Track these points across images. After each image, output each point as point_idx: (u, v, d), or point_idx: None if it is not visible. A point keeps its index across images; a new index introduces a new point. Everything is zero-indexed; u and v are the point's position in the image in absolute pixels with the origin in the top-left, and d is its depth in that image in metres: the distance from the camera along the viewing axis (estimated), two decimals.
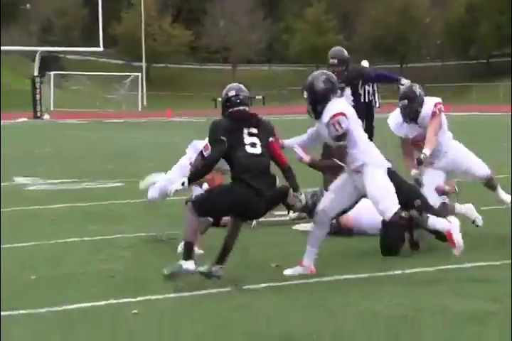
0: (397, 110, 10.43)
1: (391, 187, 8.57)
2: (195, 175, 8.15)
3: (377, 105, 22.31)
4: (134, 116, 51.38)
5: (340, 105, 8.56)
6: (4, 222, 12.16)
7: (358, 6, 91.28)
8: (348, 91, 11.03)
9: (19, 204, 13.83)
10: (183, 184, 7.97)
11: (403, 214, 8.35)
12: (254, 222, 9.95)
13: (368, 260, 8.92)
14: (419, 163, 9.82)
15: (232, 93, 8.36)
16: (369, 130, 21.56)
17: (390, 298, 7.48)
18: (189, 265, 7.76)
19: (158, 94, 66.89)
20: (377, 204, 8.50)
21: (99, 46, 53.12)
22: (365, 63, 23.26)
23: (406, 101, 10.02)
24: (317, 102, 8.46)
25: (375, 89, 22.09)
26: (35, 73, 52.20)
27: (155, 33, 78.72)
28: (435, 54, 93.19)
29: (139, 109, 60.71)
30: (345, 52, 11.29)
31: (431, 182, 10.05)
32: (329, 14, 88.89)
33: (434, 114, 10.11)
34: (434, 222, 8.44)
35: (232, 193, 8.07)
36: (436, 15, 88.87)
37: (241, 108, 8.30)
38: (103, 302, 7.45)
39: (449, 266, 8.64)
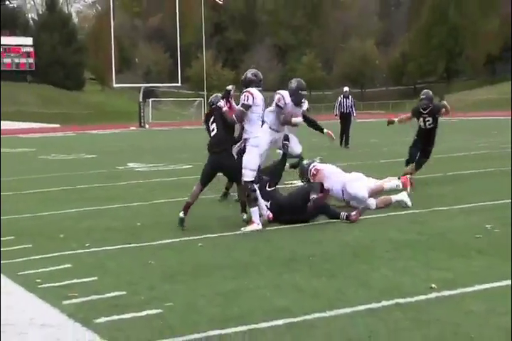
0: None
1: (253, 163, 7.86)
2: None
3: (355, 114, 22.17)
4: (199, 124, 51.22)
5: (255, 91, 7.94)
6: (121, 190, 12.19)
7: (334, 54, 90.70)
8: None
9: (131, 179, 13.80)
10: None
11: (249, 186, 7.77)
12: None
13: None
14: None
15: (209, 100, 8.93)
16: (346, 134, 21.42)
17: (355, 233, 7.42)
18: (181, 214, 7.93)
19: None
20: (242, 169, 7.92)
21: (178, 82, 53.15)
22: (346, 88, 22.87)
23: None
24: (244, 85, 8.06)
25: (353, 103, 21.94)
26: (140, 100, 52.27)
27: (212, 74, 78.45)
28: (382, 82, 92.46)
29: (203, 120, 60.48)
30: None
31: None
32: (316, 59, 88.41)
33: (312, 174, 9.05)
34: (254, 210, 7.77)
35: (208, 163, 8.14)
36: (382, 59, 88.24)
37: (212, 106, 8.43)
38: (179, 239, 7.44)
39: (393, 213, 8.54)
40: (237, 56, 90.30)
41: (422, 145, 11.06)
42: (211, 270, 6.00)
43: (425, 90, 11.29)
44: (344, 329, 4.34)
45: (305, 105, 9.32)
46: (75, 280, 5.73)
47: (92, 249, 7.02)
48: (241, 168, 7.97)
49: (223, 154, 8.04)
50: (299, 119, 9.14)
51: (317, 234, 7.49)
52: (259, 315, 4.65)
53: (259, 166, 8.19)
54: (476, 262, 5.95)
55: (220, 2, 65.74)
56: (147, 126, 50.50)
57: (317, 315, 4.63)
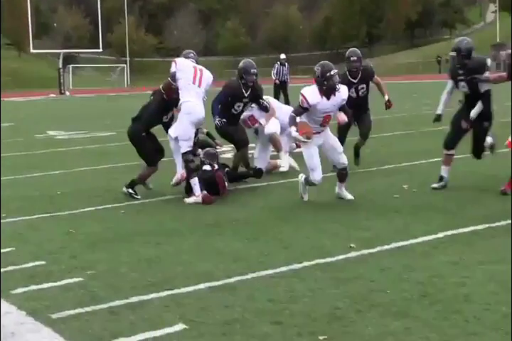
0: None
1: (185, 133, 7.38)
2: None
3: (288, 81, 22.35)
4: (122, 91, 50.30)
5: (180, 58, 7.66)
6: (41, 158, 11.90)
7: (258, 20, 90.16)
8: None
9: (51, 147, 13.50)
10: None
11: (185, 157, 7.36)
12: None
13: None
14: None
15: None
16: (286, 101, 21.33)
17: (278, 196, 7.52)
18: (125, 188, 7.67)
19: (137, 77, 65.40)
20: None
21: (99, 48, 51.85)
22: (283, 55, 22.96)
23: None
24: None
25: (288, 71, 22.11)
26: (60, 66, 50.75)
27: (134, 39, 76.76)
28: (306, 48, 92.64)
29: (125, 86, 59.26)
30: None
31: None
32: (241, 25, 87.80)
33: None
34: (194, 181, 7.29)
35: None
36: (306, 24, 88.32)
37: None
38: (102, 207, 7.35)
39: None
40: (160, 21, 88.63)
41: (357, 116, 8.77)
42: (134, 236, 5.96)
43: (352, 49, 9.15)
44: (266, 290, 4.39)
45: (343, 92, 6.92)
46: (9, 267, 5.53)
47: (9, 220, 6.83)
48: (138, 146, 7.75)
49: (135, 123, 7.79)
50: (343, 117, 7.00)
51: (241, 198, 7.54)
52: (182, 280, 4.66)
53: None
54: (393, 221, 6.11)
55: None
56: (68, 93, 49.16)
57: (239, 277, 4.67)
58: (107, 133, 16.25)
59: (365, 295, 4.22)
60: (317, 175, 6.88)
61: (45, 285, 4.66)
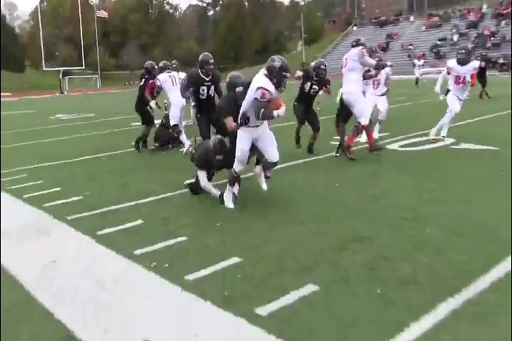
0: None
1: (173, 113, 6.54)
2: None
3: None
4: (96, 90, 46.55)
5: (161, 75, 6.70)
6: (53, 131, 10.78)
7: (173, 49, 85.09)
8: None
9: (59, 124, 12.20)
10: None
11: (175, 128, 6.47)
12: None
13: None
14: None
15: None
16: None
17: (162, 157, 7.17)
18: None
19: (104, 83, 60.36)
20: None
21: (83, 66, 47.76)
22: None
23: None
24: (160, 71, 6.91)
25: None
26: (60, 77, 46.40)
27: (102, 60, 69.45)
28: None
29: (98, 88, 54.62)
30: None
31: None
32: (164, 52, 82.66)
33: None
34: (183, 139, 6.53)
35: None
36: (200, 51, 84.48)
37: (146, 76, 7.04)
38: (91, 156, 6.72)
39: None
40: (117, 50, 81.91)
41: (306, 108, 6.03)
42: (110, 173, 5.64)
43: (321, 59, 5.93)
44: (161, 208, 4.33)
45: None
46: (41, 192, 5.14)
47: (39, 165, 6.30)
48: (143, 114, 6.90)
49: (139, 109, 7.01)
50: (282, 111, 3.80)
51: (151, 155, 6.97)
52: (139, 195, 4.51)
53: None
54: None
55: (106, 17, 59.75)
56: (65, 92, 45.16)
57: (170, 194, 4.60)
58: (90, 114, 15.26)
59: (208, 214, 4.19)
60: (239, 167, 4.04)
61: (59, 202, 4.45)
